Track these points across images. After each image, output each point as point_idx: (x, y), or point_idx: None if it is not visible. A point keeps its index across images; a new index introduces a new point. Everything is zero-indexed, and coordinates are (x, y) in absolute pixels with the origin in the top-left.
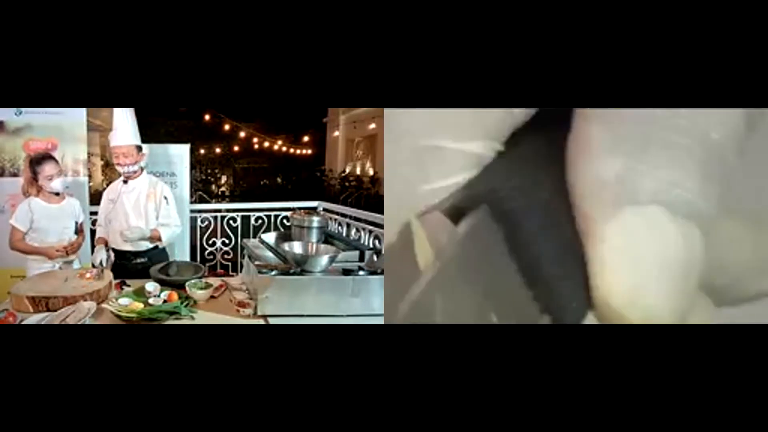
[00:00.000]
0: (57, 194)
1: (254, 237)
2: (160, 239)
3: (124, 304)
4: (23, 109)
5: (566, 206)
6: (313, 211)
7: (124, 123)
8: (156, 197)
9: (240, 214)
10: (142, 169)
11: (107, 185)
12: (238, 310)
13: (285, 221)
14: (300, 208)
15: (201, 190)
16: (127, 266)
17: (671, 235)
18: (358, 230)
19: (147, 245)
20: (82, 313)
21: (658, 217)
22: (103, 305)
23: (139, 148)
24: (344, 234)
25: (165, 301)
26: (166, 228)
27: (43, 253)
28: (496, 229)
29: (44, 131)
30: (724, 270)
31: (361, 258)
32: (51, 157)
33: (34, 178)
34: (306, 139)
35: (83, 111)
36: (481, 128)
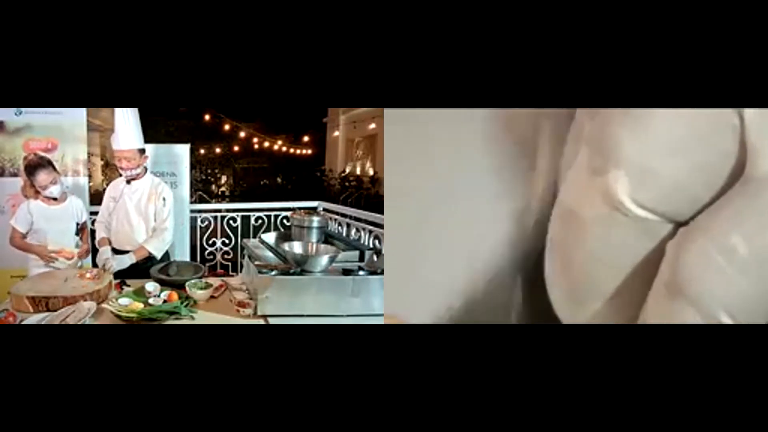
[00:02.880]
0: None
1: (254, 237)
2: (148, 257)
3: (124, 304)
4: (23, 109)
5: None
6: (313, 211)
7: (126, 126)
8: (156, 198)
9: (240, 214)
10: (145, 169)
11: (107, 185)
12: (238, 310)
13: (285, 221)
14: (300, 208)
15: (201, 190)
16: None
17: None
18: (358, 230)
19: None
20: (82, 313)
21: None
22: (103, 305)
23: (142, 151)
24: (344, 234)
25: (165, 301)
26: (154, 240)
27: (37, 253)
28: None
29: (44, 131)
30: None
31: (361, 258)
32: (45, 165)
33: (31, 183)
34: (306, 139)
35: (83, 111)
36: None
